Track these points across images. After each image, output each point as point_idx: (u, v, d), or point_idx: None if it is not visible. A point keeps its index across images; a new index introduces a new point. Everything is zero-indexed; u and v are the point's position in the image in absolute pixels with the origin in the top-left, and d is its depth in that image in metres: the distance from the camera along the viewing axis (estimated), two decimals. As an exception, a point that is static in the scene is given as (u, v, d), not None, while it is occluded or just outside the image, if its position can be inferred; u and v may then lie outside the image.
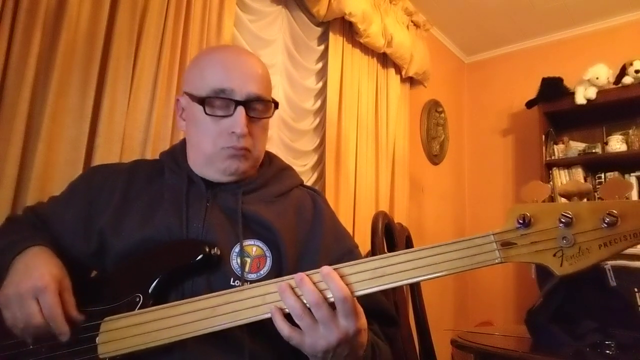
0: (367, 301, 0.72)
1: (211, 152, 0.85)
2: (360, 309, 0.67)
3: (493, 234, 0.65)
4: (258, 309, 0.67)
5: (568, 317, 1.26)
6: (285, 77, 2.25)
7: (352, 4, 2.32)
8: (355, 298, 0.65)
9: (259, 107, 0.86)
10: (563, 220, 0.61)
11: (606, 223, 0.59)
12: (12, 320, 0.74)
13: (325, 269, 0.66)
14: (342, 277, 0.65)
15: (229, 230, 0.82)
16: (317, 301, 0.64)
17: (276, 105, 0.90)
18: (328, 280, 0.65)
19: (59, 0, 1.39)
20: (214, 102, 0.82)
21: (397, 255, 0.67)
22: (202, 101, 0.82)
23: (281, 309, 0.66)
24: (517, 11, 3.13)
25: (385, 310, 0.88)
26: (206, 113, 0.82)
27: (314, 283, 0.65)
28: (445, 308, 3.25)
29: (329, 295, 0.65)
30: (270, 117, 0.90)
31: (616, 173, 2.85)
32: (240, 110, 0.82)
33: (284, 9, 2.26)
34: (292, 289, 0.66)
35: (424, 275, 0.65)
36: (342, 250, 0.89)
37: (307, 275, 0.66)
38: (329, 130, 2.36)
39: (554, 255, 0.61)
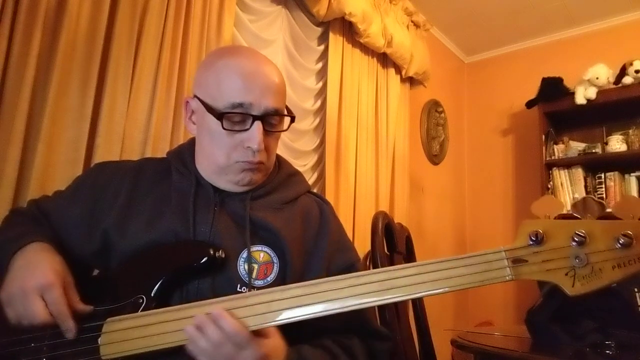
0: (348, 316, 0.70)
1: (224, 164, 0.83)
2: (270, 334, 0.68)
3: (504, 250, 0.63)
4: (264, 317, 0.67)
5: (568, 317, 1.26)
6: (285, 77, 2.21)
7: (352, 4, 2.31)
8: (249, 330, 0.66)
9: (275, 120, 0.85)
10: (576, 239, 0.60)
11: (620, 244, 0.58)
12: (15, 318, 0.74)
13: (215, 311, 0.66)
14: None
15: (236, 236, 0.82)
16: (220, 341, 0.65)
17: (292, 118, 0.88)
18: (219, 321, 0.66)
19: (59, 0, 1.39)
20: (232, 117, 0.80)
21: (405, 268, 0.66)
22: (220, 116, 0.80)
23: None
24: (517, 11, 3.13)
25: (369, 324, 0.87)
26: (224, 128, 0.80)
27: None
28: (445, 308, 3.24)
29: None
30: (286, 130, 0.89)
31: (616, 173, 2.84)
32: (258, 125, 0.80)
33: (284, 9, 2.26)
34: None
35: (432, 290, 0.64)
36: (344, 263, 0.88)
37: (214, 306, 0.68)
38: (329, 130, 2.36)
39: (566, 274, 0.60)
